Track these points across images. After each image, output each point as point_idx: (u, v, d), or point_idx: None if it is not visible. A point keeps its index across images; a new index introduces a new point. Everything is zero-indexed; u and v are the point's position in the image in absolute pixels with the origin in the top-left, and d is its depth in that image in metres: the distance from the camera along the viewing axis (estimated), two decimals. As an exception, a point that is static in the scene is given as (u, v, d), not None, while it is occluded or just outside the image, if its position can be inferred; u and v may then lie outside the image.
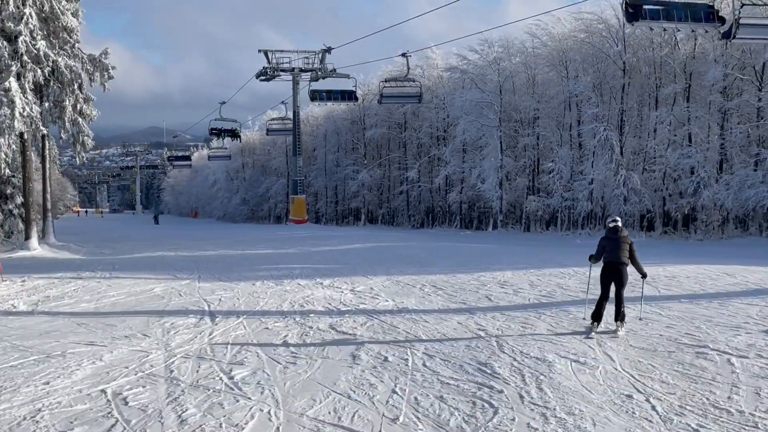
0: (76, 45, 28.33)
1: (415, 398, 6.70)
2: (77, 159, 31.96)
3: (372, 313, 11.42)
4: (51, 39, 26.83)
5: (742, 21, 21.59)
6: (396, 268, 17.90)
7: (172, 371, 7.76)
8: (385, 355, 8.40)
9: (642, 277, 9.71)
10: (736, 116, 34.43)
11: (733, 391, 6.82)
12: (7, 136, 23.89)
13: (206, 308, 12.24)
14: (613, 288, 9.43)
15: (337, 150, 67.16)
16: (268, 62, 53.47)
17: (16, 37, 24.39)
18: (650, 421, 6.01)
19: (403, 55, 46.51)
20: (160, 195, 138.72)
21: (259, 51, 53.85)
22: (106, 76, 29.10)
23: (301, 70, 53.86)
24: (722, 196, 32.23)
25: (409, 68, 47.27)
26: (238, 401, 6.67)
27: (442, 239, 35.03)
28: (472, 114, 44.98)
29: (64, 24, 27.22)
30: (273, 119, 63.10)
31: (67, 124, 27.97)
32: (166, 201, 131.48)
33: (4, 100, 23.40)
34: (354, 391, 6.94)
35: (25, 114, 23.96)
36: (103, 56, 29.09)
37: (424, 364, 7.91)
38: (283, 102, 60.65)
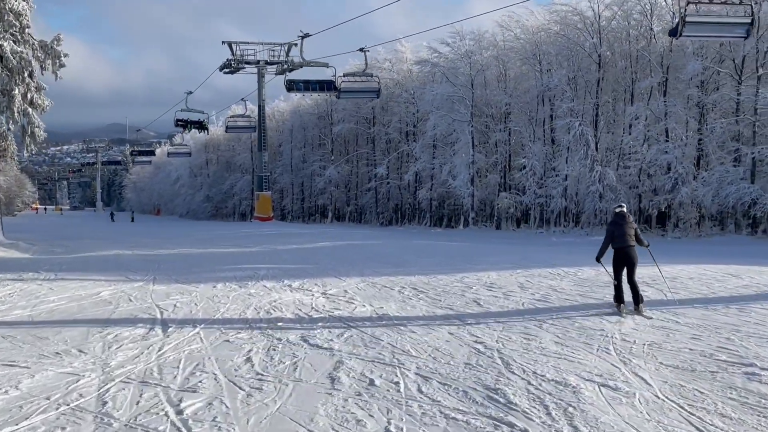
0: (26, 30, 26.41)
1: (415, 438, 5.26)
2: (25, 152, 29.95)
3: (349, 321, 9.98)
4: (-5, 22, 24.88)
5: (688, 19, 22.14)
6: (370, 269, 16.47)
7: (105, 403, 6.15)
8: (370, 376, 6.94)
9: (646, 246, 10.54)
10: (715, 111, 33.68)
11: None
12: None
13: (158, 316, 10.67)
14: (625, 277, 10.16)
15: (304, 146, 65.62)
16: (233, 54, 51.39)
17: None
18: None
19: (361, 50, 44.74)
20: (122, 192, 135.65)
21: (223, 42, 51.75)
22: (58, 64, 27.27)
23: (267, 63, 52.01)
24: (700, 193, 31.45)
25: (367, 63, 45.61)
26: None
27: (414, 237, 33.75)
28: (443, 108, 43.78)
29: (11, 6, 25.32)
30: (233, 116, 60.68)
31: (16, 114, 26.08)
32: (129, 198, 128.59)
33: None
34: (337, 431, 5.47)
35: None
36: (56, 43, 27.25)
37: (419, 390, 6.46)
38: (243, 99, 58.53)
